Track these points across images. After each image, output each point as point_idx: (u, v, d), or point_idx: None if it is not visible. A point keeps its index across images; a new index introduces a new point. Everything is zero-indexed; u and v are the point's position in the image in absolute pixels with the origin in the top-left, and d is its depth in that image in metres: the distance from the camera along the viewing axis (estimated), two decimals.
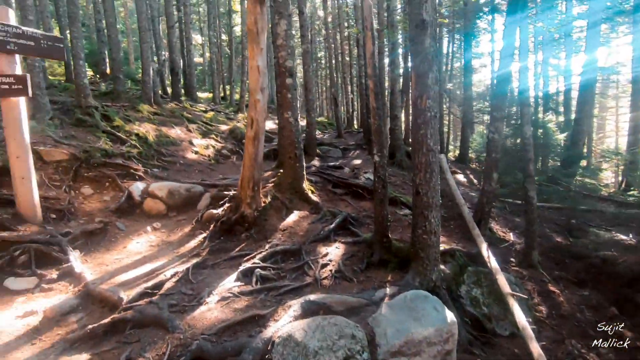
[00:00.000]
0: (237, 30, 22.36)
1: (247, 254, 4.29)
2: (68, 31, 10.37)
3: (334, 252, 4.43)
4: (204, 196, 6.80)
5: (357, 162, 10.54)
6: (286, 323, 2.79)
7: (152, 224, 5.74)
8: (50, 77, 13.71)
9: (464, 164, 13.50)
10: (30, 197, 4.72)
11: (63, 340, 2.94)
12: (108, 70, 17.17)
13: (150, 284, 3.46)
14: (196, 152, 9.79)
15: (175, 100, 14.61)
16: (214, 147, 10.70)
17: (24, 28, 4.44)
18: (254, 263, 3.94)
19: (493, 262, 4.39)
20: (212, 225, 5.26)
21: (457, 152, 16.20)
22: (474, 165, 13.81)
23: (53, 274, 4.02)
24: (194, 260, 4.19)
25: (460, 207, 5.87)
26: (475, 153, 13.87)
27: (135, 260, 4.45)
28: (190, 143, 10.23)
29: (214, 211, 5.61)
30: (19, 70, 4.45)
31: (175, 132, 10.49)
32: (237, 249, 4.55)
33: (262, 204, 5.33)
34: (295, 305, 3.04)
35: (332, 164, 9.48)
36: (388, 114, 12.16)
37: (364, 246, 4.55)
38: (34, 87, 7.47)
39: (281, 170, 6.51)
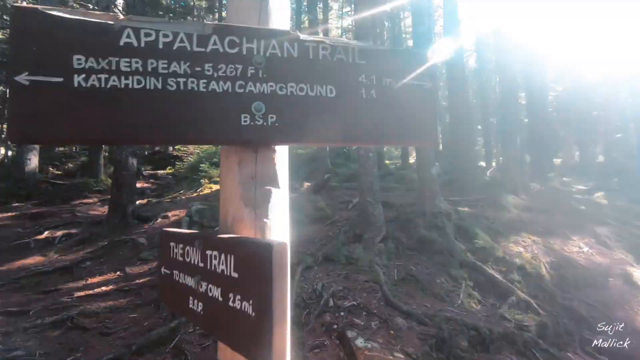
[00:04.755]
0: None
1: None
2: None
3: None
4: None
5: None
6: None
7: None
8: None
9: None
10: None
11: None
12: (440, 148, 14.91)
13: None
14: None
15: (539, 178, 9.55)
16: None
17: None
18: None
19: None
20: None
21: None
22: None
23: None
24: None
25: None
26: None
27: None
28: (629, 281, 4.64)
29: None
30: None
31: (577, 247, 5.30)
32: None
33: None
34: None
35: None
36: None
37: None
38: (364, 193, 4.86)
39: None
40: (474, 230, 4.79)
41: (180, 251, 1.21)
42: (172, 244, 1.27)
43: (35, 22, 0.88)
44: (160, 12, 24.71)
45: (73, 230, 6.45)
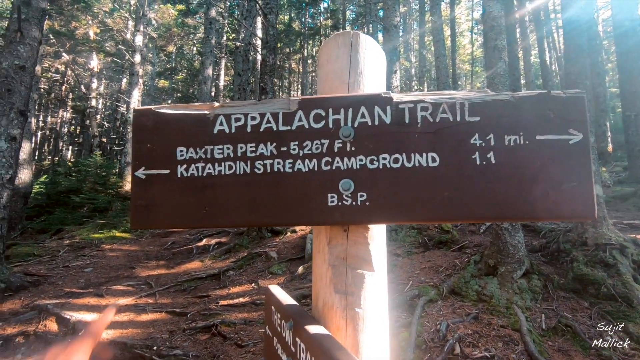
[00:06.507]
0: None
1: None
2: None
3: None
4: None
5: None
6: None
7: None
8: None
9: None
10: None
11: None
12: (610, 148, 12.03)
13: None
14: None
15: None
16: None
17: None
18: None
19: None
20: None
21: None
22: None
23: None
24: None
25: None
26: None
27: None
28: None
29: None
30: None
31: None
32: None
33: None
34: None
35: None
36: None
37: None
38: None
39: None
40: None
41: (278, 321, 1.18)
42: (273, 308, 1.26)
43: (149, 121, 0.98)
44: (292, 37, 27.27)
45: (223, 239, 7.57)
